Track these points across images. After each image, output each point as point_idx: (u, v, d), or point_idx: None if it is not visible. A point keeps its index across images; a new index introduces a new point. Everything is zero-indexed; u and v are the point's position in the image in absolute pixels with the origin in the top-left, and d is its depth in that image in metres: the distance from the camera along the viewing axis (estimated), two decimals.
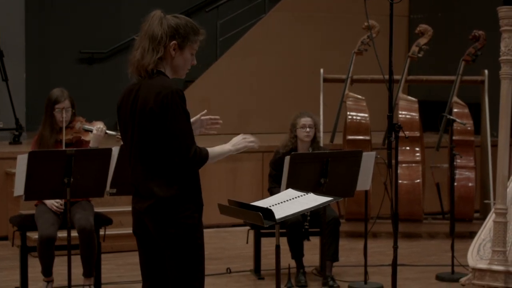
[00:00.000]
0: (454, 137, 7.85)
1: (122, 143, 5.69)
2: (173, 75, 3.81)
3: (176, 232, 3.68)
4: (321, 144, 7.16)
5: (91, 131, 5.97)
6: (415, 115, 8.60)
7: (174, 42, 3.75)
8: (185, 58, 3.80)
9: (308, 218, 6.42)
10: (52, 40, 11.54)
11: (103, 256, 6.23)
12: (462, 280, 6.01)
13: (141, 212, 3.76)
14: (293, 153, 6.02)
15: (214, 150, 3.80)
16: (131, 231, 8.21)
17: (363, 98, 8.72)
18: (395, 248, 5.03)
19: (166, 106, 3.62)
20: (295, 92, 11.06)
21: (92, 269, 5.89)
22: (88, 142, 5.96)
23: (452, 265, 6.74)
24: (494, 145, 6.90)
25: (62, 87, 6.13)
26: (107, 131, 5.99)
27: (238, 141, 3.90)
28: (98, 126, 5.96)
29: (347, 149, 8.19)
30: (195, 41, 3.80)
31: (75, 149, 5.54)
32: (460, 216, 8.18)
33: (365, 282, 6.47)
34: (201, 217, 3.77)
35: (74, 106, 6.08)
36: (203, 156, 3.70)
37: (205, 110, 4.20)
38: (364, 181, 6.29)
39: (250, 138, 3.94)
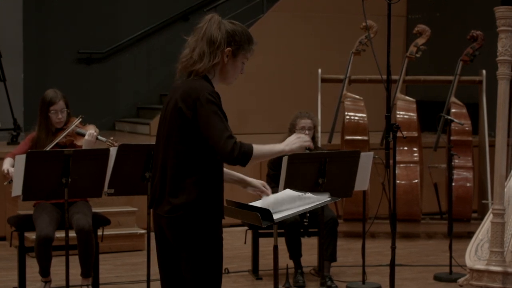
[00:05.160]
0: (452, 137, 7.85)
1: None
2: (221, 81, 3.75)
3: (193, 239, 3.61)
4: (319, 144, 7.17)
5: (83, 135, 5.95)
6: (413, 115, 8.61)
7: (229, 48, 3.69)
8: (236, 65, 3.74)
9: (307, 215, 6.41)
10: (50, 40, 11.55)
11: (101, 256, 6.23)
12: (460, 280, 6.01)
13: (161, 216, 3.68)
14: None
15: (263, 147, 3.65)
16: (129, 232, 8.25)
17: (361, 98, 8.72)
18: (393, 248, 5.03)
19: (197, 109, 3.56)
20: (293, 92, 11.06)
21: (90, 269, 5.89)
22: (80, 146, 5.93)
23: (450, 266, 6.74)
24: (492, 145, 6.91)
25: (57, 88, 6.09)
26: (98, 137, 5.95)
27: (293, 141, 3.74)
28: (90, 131, 5.94)
29: (345, 149, 8.19)
30: (248, 50, 3.74)
31: (73, 149, 5.54)
32: (458, 216, 8.18)
33: (363, 282, 6.48)
34: (221, 224, 3.68)
35: (69, 106, 6.07)
36: (245, 151, 3.57)
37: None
38: (362, 181, 6.29)
39: (305, 137, 3.78)
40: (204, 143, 3.59)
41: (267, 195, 3.92)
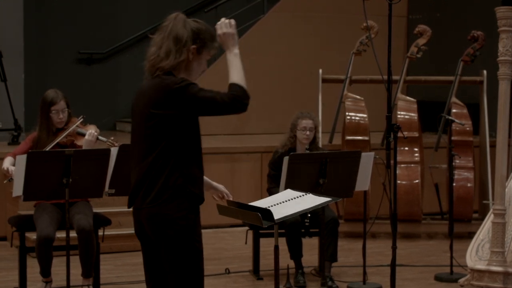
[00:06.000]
0: (452, 138, 7.84)
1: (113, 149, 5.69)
2: (186, 77, 3.80)
3: (170, 233, 3.69)
4: (320, 145, 7.17)
5: (84, 135, 5.94)
6: (414, 115, 8.61)
7: (193, 46, 3.78)
8: (200, 63, 3.84)
9: (309, 215, 6.41)
10: (50, 40, 11.54)
11: (102, 256, 6.23)
12: (461, 280, 6.01)
13: (140, 210, 3.77)
14: (292, 153, 6.02)
15: (239, 75, 3.72)
16: (130, 232, 8.24)
17: (362, 98, 8.72)
18: (394, 248, 5.03)
19: (178, 101, 3.65)
20: (293, 92, 11.05)
21: (91, 270, 5.89)
22: (80, 146, 5.93)
23: (451, 266, 6.74)
24: (493, 146, 6.92)
25: (57, 88, 6.09)
26: (99, 137, 5.95)
27: (230, 41, 3.78)
28: (90, 131, 5.94)
29: (346, 150, 8.19)
30: (212, 47, 3.84)
31: (73, 149, 5.54)
32: (459, 217, 8.18)
33: (364, 282, 6.47)
34: (198, 218, 3.76)
35: (69, 106, 6.07)
36: (241, 95, 3.66)
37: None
38: (363, 182, 6.29)
39: (226, 24, 3.80)
40: (179, 137, 3.68)
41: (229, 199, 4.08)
